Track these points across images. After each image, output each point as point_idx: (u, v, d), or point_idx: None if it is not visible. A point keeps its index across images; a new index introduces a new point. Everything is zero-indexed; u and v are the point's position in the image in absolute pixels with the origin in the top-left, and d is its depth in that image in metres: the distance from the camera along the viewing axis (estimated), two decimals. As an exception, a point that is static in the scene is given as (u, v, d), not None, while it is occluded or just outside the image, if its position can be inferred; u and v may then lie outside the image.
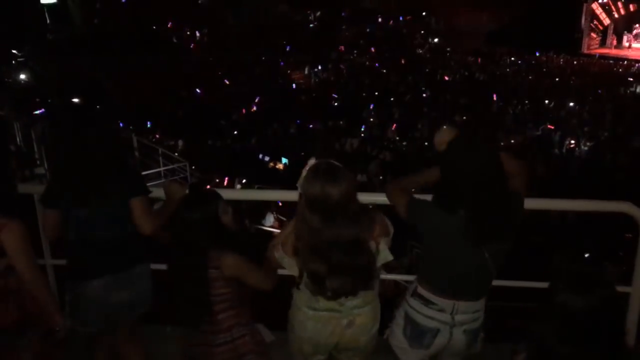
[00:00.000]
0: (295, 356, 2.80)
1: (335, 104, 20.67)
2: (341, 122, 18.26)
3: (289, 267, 2.54)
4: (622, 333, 1.90)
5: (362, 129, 17.56)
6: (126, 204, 2.88)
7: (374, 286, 2.60)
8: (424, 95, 21.80)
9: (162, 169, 13.64)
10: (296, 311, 2.64)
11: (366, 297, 2.57)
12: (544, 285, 2.01)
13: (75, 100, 16.95)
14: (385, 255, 2.50)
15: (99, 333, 3.16)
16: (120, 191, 2.88)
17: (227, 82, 23.03)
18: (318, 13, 31.75)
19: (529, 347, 1.96)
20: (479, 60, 27.76)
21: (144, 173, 13.04)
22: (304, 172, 2.43)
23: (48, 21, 24.30)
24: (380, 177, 13.00)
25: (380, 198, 2.99)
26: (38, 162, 12.29)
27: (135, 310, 3.10)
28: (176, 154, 14.62)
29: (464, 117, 18.73)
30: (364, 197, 3.05)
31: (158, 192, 3.15)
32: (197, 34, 27.19)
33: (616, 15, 29.95)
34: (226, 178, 13.24)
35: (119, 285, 2.97)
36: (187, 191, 2.77)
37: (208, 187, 2.64)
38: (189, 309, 2.59)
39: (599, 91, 21.51)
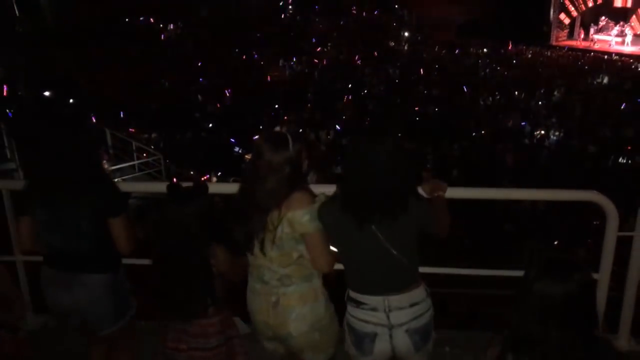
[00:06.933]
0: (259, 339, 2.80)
1: (309, 95, 20.65)
2: (315, 115, 18.28)
3: None
4: (596, 317, 1.95)
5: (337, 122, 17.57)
6: (97, 220, 2.65)
7: (303, 270, 2.55)
8: (397, 87, 21.90)
9: (136, 162, 13.58)
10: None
11: (291, 277, 2.54)
12: (516, 273, 2.06)
13: (47, 93, 16.67)
14: (299, 223, 2.45)
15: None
16: (93, 204, 2.63)
17: (201, 75, 22.83)
18: (291, 5, 31.58)
19: (503, 338, 1.97)
20: (450, 52, 27.99)
21: (117, 167, 12.98)
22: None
23: (17, 13, 23.79)
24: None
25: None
26: (8, 157, 12.08)
27: (89, 320, 2.81)
28: (152, 146, 14.55)
29: (436, 109, 18.92)
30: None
31: (130, 186, 3.08)
32: (171, 26, 26.83)
33: (583, 8, 30.45)
34: (201, 172, 13.21)
35: (61, 284, 2.74)
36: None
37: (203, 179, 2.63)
38: (187, 302, 2.55)
39: (568, 83, 21.91)
